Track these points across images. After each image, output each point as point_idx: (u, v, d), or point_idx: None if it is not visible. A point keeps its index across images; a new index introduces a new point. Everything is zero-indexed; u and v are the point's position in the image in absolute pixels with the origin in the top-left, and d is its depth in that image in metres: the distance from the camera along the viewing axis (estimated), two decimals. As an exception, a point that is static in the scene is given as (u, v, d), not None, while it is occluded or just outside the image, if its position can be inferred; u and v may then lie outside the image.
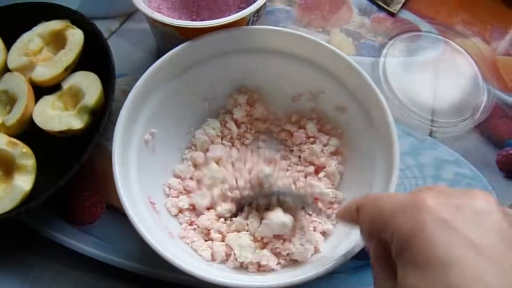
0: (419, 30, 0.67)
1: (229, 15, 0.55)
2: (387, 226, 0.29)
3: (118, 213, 0.54)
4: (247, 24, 0.53)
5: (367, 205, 0.32)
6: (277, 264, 0.47)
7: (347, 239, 0.45)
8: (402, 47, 0.65)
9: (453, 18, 0.68)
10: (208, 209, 0.51)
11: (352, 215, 0.35)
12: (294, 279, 0.41)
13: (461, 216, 0.26)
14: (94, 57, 0.57)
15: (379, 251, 0.31)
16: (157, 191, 0.51)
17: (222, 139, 0.55)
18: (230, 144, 0.55)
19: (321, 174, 0.52)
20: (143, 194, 0.47)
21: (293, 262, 0.47)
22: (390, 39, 0.66)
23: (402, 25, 0.67)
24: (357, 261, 0.52)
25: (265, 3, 0.52)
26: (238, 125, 0.56)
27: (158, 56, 0.50)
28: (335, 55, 0.50)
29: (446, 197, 0.28)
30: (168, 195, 0.52)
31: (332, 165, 0.52)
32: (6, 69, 0.58)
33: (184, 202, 0.51)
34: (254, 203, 0.49)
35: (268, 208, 0.48)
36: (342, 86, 0.51)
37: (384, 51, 0.65)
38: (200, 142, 0.54)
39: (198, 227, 0.50)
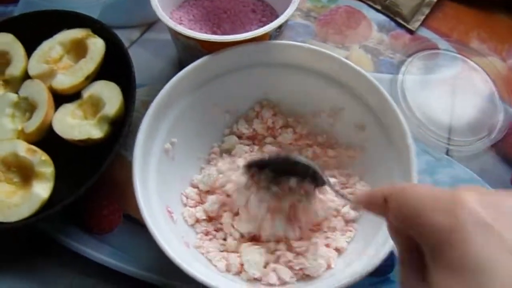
0: (437, 48, 0.67)
1: (250, 28, 0.55)
2: (421, 221, 0.27)
3: (136, 223, 0.55)
4: (269, 39, 0.53)
5: (397, 196, 0.29)
6: (291, 277, 0.47)
7: (360, 257, 0.45)
8: (420, 64, 0.65)
9: (470, 36, 0.68)
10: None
11: (378, 205, 0.31)
12: None
13: (503, 219, 0.24)
14: (115, 67, 0.57)
15: (408, 247, 0.29)
16: (175, 200, 0.51)
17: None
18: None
19: None
20: (161, 203, 0.48)
21: (305, 277, 0.47)
22: (409, 56, 0.66)
23: (420, 43, 0.67)
24: (373, 277, 0.52)
25: (288, 19, 0.52)
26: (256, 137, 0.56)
27: (179, 67, 0.50)
28: (357, 73, 0.50)
29: (488, 199, 0.26)
30: (185, 205, 0.52)
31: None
32: (27, 76, 0.58)
33: (200, 212, 0.51)
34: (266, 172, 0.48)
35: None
36: (363, 104, 0.51)
37: (403, 68, 0.65)
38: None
39: (215, 237, 0.50)
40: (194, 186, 0.54)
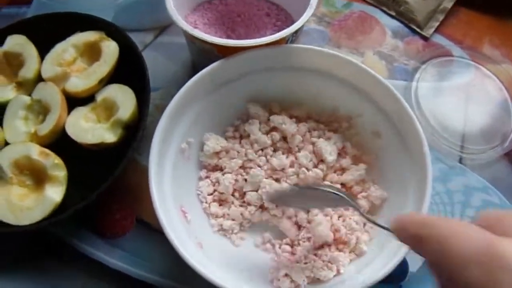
0: (451, 55, 0.67)
1: (265, 32, 0.55)
2: (457, 275, 0.25)
3: (148, 227, 0.54)
4: (286, 43, 0.53)
5: (433, 245, 0.27)
6: (303, 281, 0.47)
7: (372, 264, 0.45)
8: (434, 71, 0.65)
9: (483, 42, 0.68)
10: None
11: (411, 242, 0.30)
12: None
13: None
14: (128, 70, 0.57)
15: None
16: (189, 199, 0.51)
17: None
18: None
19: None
20: (175, 203, 0.48)
21: (315, 280, 0.47)
22: (423, 63, 0.66)
23: (434, 49, 0.67)
24: (385, 285, 0.52)
25: (302, 24, 0.52)
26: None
27: (193, 70, 0.50)
28: (374, 79, 0.50)
29: None
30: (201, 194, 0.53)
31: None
32: (40, 79, 0.58)
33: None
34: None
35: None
36: (379, 110, 0.51)
37: (417, 75, 0.64)
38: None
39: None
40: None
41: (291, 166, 0.53)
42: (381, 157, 0.53)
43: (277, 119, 0.53)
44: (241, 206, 0.52)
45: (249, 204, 0.52)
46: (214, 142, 0.52)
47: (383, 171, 0.52)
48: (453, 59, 0.66)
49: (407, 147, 0.49)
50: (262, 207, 0.52)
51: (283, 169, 0.52)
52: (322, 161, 0.53)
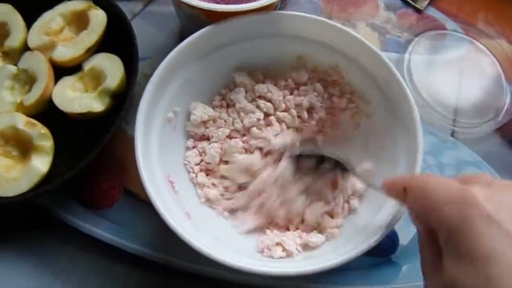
0: (445, 28, 0.66)
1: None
2: (434, 215, 0.29)
3: (136, 198, 0.54)
4: (275, 10, 0.52)
5: (414, 189, 0.32)
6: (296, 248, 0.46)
7: (362, 233, 0.44)
8: (427, 44, 0.64)
9: (477, 17, 0.67)
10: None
11: (398, 194, 0.35)
12: (314, 267, 0.40)
13: (507, 212, 0.27)
14: (117, 39, 0.56)
15: (426, 234, 0.32)
16: (176, 170, 0.50)
17: None
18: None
19: None
20: (163, 173, 0.47)
21: (304, 246, 0.47)
22: (416, 36, 0.65)
23: (428, 22, 0.66)
24: (375, 257, 0.52)
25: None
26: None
27: (181, 40, 0.49)
28: (364, 46, 0.49)
29: (493, 192, 0.29)
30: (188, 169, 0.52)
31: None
32: (26, 48, 0.56)
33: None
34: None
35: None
36: (370, 78, 0.50)
37: (410, 48, 0.64)
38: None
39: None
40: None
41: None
42: (370, 127, 0.52)
43: (262, 88, 0.53)
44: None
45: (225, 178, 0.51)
46: (201, 111, 0.51)
47: (372, 142, 0.51)
48: (446, 33, 0.66)
49: (398, 117, 0.48)
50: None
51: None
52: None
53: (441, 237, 0.29)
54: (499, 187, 0.30)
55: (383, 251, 0.53)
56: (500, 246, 0.26)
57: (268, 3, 0.49)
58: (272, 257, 0.45)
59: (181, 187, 0.49)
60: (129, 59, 0.53)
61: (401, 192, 0.34)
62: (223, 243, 0.46)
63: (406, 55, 0.63)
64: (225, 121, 0.52)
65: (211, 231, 0.47)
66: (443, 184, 0.30)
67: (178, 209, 0.46)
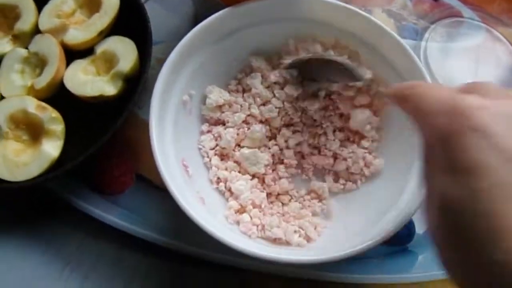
0: (461, 16, 0.65)
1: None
2: (429, 123, 0.29)
3: (148, 184, 0.53)
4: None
5: (412, 98, 0.32)
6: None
7: (378, 223, 0.44)
8: (443, 32, 0.64)
9: (494, 5, 0.67)
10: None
11: (400, 101, 0.34)
12: (331, 255, 0.40)
13: (497, 122, 0.26)
14: (129, 23, 0.55)
15: (427, 141, 0.31)
16: (190, 154, 0.50)
17: None
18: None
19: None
20: (177, 156, 0.46)
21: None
22: (432, 23, 0.64)
23: (444, 10, 0.65)
24: (390, 246, 0.51)
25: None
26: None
27: (195, 25, 0.48)
28: (384, 32, 0.48)
29: (490, 102, 0.27)
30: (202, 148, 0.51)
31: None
32: (37, 31, 0.55)
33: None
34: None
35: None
36: (387, 63, 0.49)
37: (426, 35, 0.63)
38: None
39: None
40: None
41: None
42: (386, 113, 0.51)
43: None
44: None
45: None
46: (217, 95, 0.50)
47: (388, 128, 0.51)
48: (463, 20, 0.65)
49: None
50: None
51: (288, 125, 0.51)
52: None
53: (433, 147, 0.29)
54: (498, 97, 0.28)
55: (400, 240, 0.52)
56: (488, 159, 0.25)
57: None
58: (289, 244, 0.44)
59: (195, 171, 0.48)
60: (143, 42, 0.53)
61: (403, 99, 0.33)
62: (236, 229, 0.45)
63: (423, 43, 0.62)
64: (241, 106, 0.51)
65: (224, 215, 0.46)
66: (438, 93, 0.30)
67: (192, 193, 0.45)
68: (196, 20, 0.60)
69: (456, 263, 0.27)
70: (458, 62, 0.62)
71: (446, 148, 0.27)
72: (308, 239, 0.45)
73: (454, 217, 0.26)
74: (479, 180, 0.25)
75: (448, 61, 0.62)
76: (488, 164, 0.25)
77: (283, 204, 0.50)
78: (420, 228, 0.52)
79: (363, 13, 0.49)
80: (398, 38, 0.48)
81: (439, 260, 0.28)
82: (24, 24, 0.56)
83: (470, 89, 0.29)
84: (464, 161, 0.25)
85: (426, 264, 0.51)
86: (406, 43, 0.48)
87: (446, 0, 0.66)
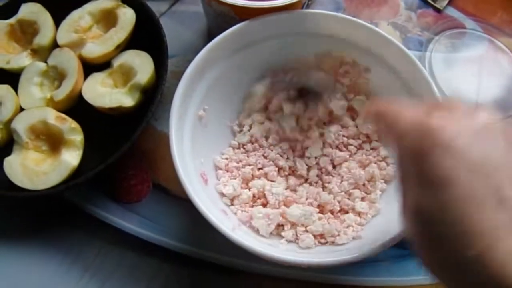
0: (464, 27, 0.67)
1: (279, -3, 0.55)
2: (401, 142, 0.31)
3: (165, 192, 0.54)
4: (302, 8, 0.53)
5: (386, 119, 0.34)
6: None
7: (386, 227, 0.45)
8: (447, 43, 0.65)
9: (495, 16, 0.68)
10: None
11: (376, 120, 0.36)
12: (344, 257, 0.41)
13: (460, 137, 0.28)
14: (145, 37, 0.57)
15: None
16: (207, 168, 0.50)
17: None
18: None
19: None
20: (196, 169, 0.47)
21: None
22: (436, 34, 0.66)
23: (447, 21, 0.67)
24: (400, 249, 0.52)
25: (320, -12, 0.52)
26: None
27: (208, 38, 0.50)
28: (390, 43, 0.50)
29: (454, 118, 0.29)
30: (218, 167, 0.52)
31: None
32: (55, 46, 0.57)
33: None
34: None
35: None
36: (394, 74, 0.51)
37: (430, 46, 0.65)
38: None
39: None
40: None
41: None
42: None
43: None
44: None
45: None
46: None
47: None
48: (466, 31, 0.67)
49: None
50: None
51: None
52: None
53: (406, 163, 0.31)
54: (463, 114, 0.30)
55: (408, 243, 0.53)
56: (453, 172, 0.27)
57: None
58: (308, 247, 0.46)
59: (212, 182, 0.49)
60: (158, 56, 0.54)
61: (379, 119, 0.35)
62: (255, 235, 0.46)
63: (427, 53, 0.64)
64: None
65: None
66: (408, 114, 0.32)
67: (214, 204, 0.46)
68: (209, 34, 0.62)
69: (437, 268, 0.29)
70: (462, 72, 0.64)
71: (416, 165, 0.29)
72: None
73: (427, 227, 0.28)
74: (446, 192, 0.27)
75: (452, 71, 0.63)
76: (453, 177, 0.27)
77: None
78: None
79: (371, 26, 0.50)
80: (405, 49, 0.49)
81: (421, 265, 0.30)
82: (43, 38, 0.58)
83: (438, 107, 0.32)
84: (433, 176, 0.28)
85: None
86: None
87: (449, 12, 0.68)
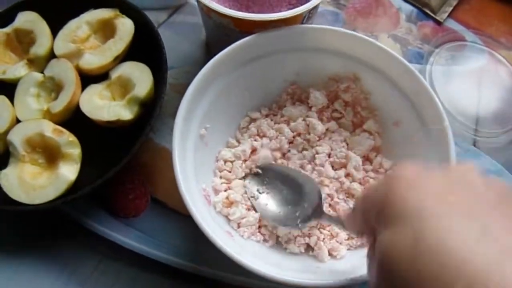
0: (464, 40, 0.67)
1: (279, 11, 0.55)
2: (368, 207, 0.32)
3: (163, 206, 0.54)
4: (302, 22, 0.52)
5: (358, 205, 0.35)
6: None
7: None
8: (447, 55, 0.65)
9: (495, 29, 0.69)
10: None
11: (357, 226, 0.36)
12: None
13: (426, 178, 0.29)
14: (143, 48, 0.56)
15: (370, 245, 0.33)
16: (209, 187, 0.50)
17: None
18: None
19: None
20: (199, 190, 0.47)
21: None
22: (437, 47, 0.66)
23: (448, 34, 0.67)
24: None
25: (320, 2, 0.51)
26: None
27: (206, 50, 0.49)
28: (392, 58, 0.49)
29: (417, 170, 0.30)
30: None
31: None
32: (52, 56, 0.56)
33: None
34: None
35: None
36: (397, 89, 0.51)
37: (431, 58, 0.65)
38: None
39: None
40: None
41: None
42: (397, 137, 0.52)
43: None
44: None
45: None
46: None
47: (399, 152, 0.52)
48: (466, 44, 0.67)
49: (425, 123, 0.48)
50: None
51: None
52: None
53: (375, 220, 0.31)
54: (423, 167, 0.31)
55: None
56: (421, 204, 0.27)
57: (296, 13, 0.49)
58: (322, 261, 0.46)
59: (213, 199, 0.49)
60: (157, 68, 0.54)
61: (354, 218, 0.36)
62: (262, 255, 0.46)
63: (428, 66, 0.64)
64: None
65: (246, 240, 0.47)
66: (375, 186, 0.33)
67: (216, 223, 0.46)
68: (207, 46, 0.62)
69: None
70: (463, 85, 0.64)
71: (385, 210, 0.29)
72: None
73: (392, 273, 0.27)
74: (416, 224, 0.27)
75: (452, 83, 0.64)
76: (423, 209, 0.27)
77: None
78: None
79: (371, 39, 0.50)
80: (406, 62, 0.49)
81: None
82: (39, 48, 0.57)
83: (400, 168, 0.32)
84: (401, 212, 0.28)
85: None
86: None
87: (449, 24, 0.68)
